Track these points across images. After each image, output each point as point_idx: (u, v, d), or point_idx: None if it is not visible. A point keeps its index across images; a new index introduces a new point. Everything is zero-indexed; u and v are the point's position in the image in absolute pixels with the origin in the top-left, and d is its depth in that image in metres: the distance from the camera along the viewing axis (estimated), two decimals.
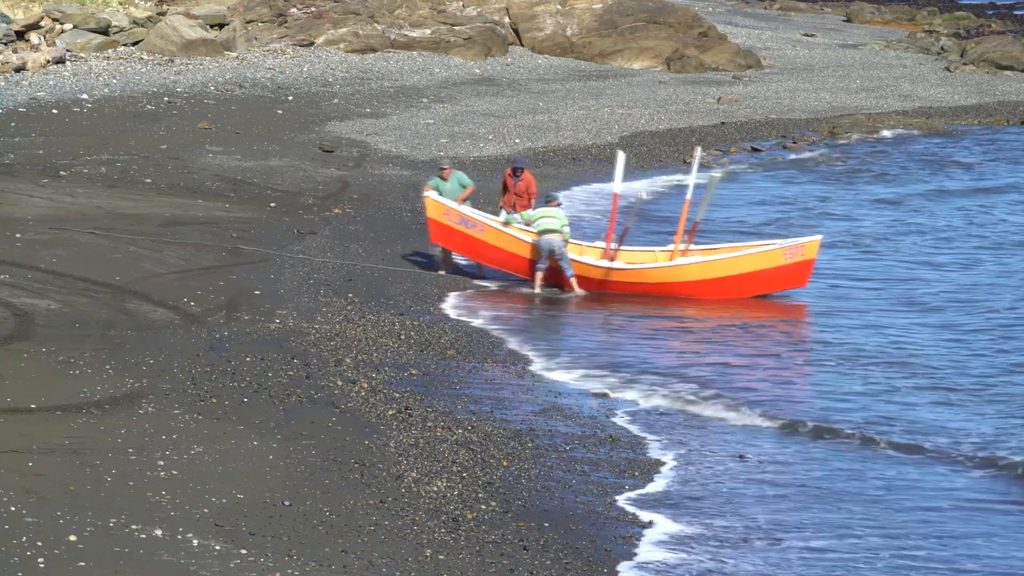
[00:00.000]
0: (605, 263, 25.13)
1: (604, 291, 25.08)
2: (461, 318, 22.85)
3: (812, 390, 20.40)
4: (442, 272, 25.51)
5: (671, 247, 25.65)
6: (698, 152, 26.82)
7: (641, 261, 25.56)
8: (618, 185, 25.40)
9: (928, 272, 27.76)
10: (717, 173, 25.59)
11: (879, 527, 15.18)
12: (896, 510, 15.69)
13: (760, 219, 32.18)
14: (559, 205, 25.23)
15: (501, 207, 26.30)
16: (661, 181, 35.35)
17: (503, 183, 26.40)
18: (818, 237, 25.65)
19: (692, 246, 25.65)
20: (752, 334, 23.75)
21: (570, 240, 25.02)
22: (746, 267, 25.19)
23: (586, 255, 25.40)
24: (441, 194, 25.91)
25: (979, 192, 36.67)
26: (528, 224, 25.21)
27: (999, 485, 16.58)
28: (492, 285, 25.57)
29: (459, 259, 26.16)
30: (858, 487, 16.34)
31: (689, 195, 25.45)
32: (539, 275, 24.92)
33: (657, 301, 24.79)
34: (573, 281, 24.90)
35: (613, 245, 25.33)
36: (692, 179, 25.83)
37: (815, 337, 23.26)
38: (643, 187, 28.95)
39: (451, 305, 23.67)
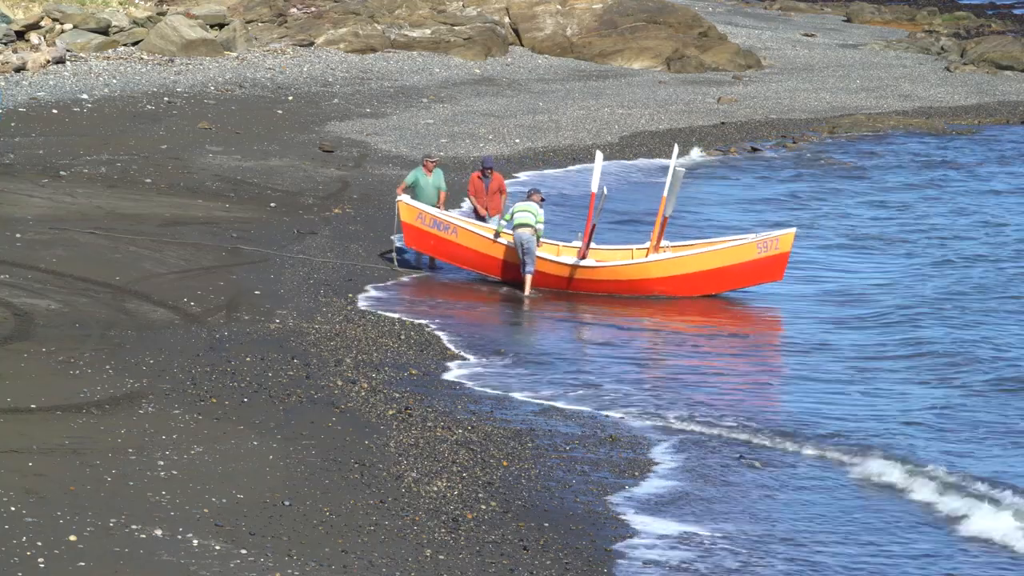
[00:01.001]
0: (577, 261, 24.97)
1: (578, 290, 24.94)
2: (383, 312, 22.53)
3: (805, 394, 20.40)
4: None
5: (647, 244, 25.54)
6: (676, 150, 26.82)
7: (618, 259, 25.41)
8: (595, 184, 25.30)
9: (915, 272, 27.82)
10: (681, 168, 25.41)
11: (880, 538, 15.22)
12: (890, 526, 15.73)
13: (755, 219, 32.20)
14: (542, 200, 24.91)
15: (473, 209, 26.17)
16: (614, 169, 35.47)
17: (473, 187, 26.15)
18: (792, 230, 25.57)
19: (665, 242, 25.53)
20: (747, 343, 23.71)
21: (542, 239, 24.70)
22: (720, 262, 25.06)
23: (563, 255, 25.29)
24: (419, 187, 25.90)
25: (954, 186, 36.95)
26: (508, 222, 24.91)
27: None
28: (406, 277, 25.39)
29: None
30: (859, 493, 16.37)
31: (665, 192, 25.32)
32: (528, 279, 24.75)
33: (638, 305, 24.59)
34: (528, 279, 24.56)
35: (577, 243, 25.25)
36: (669, 176, 25.62)
37: (808, 343, 23.15)
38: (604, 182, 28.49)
39: (372, 297, 23.44)
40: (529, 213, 24.52)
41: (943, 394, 20.07)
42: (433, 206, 25.75)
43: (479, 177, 26.16)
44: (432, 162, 26.26)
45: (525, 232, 24.46)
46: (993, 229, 31.89)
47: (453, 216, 25.73)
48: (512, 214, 24.71)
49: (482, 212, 25.98)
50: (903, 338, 22.89)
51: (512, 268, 25.08)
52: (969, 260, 28.60)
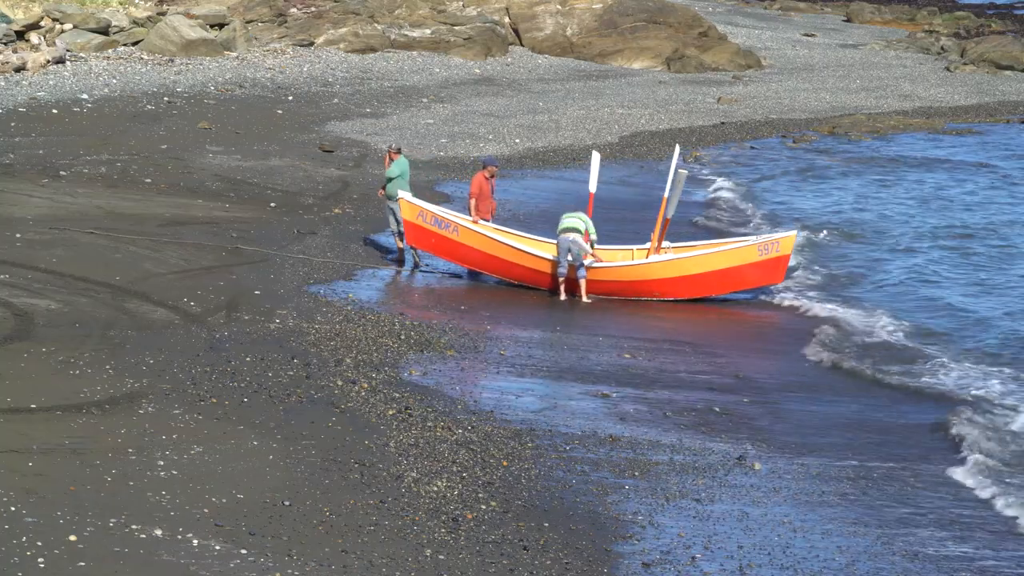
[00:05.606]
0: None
1: (577, 291, 24.88)
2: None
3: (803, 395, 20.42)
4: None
5: (648, 245, 25.51)
6: (677, 150, 26.79)
7: (618, 259, 25.36)
8: (593, 185, 25.25)
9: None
10: (684, 171, 25.35)
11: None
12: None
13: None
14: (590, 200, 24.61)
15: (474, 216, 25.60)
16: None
17: (479, 188, 25.53)
18: (793, 232, 25.60)
19: (666, 243, 25.51)
20: (760, 345, 23.73)
21: (577, 232, 24.34)
22: (720, 264, 25.02)
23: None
24: (404, 176, 25.77)
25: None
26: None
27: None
28: (405, 277, 25.35)
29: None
30: (859, 495, 16.40)
31: (666, 193, 25.26)
32: (560, 282, 24.65)
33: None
34: (582, 283, 24.49)
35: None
36: (670, 177, 25.54)
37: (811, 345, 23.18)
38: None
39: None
40: (576, 218, 24.38)
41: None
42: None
43: (486, 178, 25.79)
44: (393, 152, 26.17)
45: (569, 236, 24.30)
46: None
47: (454, 214, 25.66)
48: (561, 219, 24.55)
49: (475, 216, 25.55)
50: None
51: (511, 267, 25.06)
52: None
